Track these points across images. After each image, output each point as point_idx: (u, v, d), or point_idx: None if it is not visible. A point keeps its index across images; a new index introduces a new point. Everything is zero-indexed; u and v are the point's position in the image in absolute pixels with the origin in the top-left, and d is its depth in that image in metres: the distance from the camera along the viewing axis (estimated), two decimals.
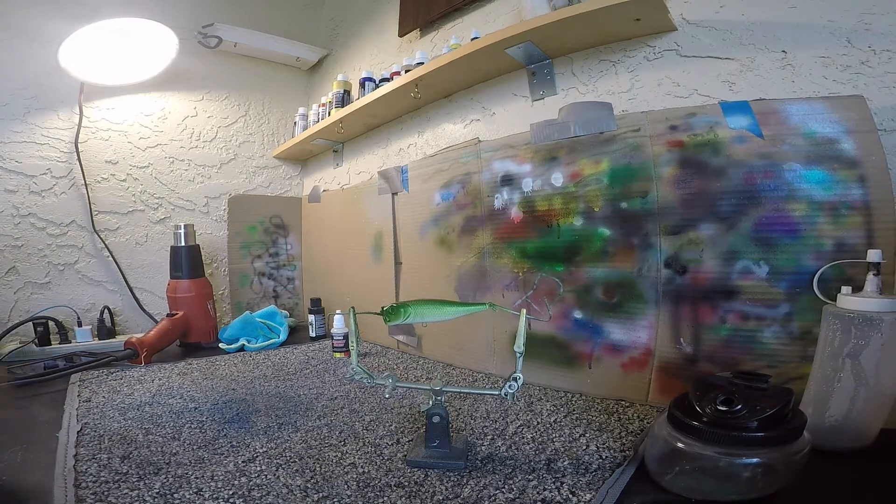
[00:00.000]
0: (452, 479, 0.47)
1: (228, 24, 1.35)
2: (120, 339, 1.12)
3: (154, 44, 1.18)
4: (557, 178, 0.78)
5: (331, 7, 1.59)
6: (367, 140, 1.31)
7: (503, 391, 0.49)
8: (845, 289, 0.51)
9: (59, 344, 1.08)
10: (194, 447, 0.55)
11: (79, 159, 1.20)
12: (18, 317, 1.11)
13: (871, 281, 0.50)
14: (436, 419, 0.50)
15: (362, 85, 1.16)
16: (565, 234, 0.77)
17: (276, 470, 0.49)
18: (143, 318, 1.29)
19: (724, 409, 0.42)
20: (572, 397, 0.72)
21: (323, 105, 1.32)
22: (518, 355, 0.48)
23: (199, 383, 0.84)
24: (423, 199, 1.01)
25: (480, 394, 0.58)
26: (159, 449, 0.54)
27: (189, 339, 1.16)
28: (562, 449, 0.53)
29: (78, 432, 0.57)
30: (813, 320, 0.56)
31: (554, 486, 0.45)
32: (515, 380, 0.49)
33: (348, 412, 0.67)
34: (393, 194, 1.09)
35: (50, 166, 1.18)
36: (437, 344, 0.99)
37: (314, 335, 1.21)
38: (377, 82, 1.14)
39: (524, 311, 0.49)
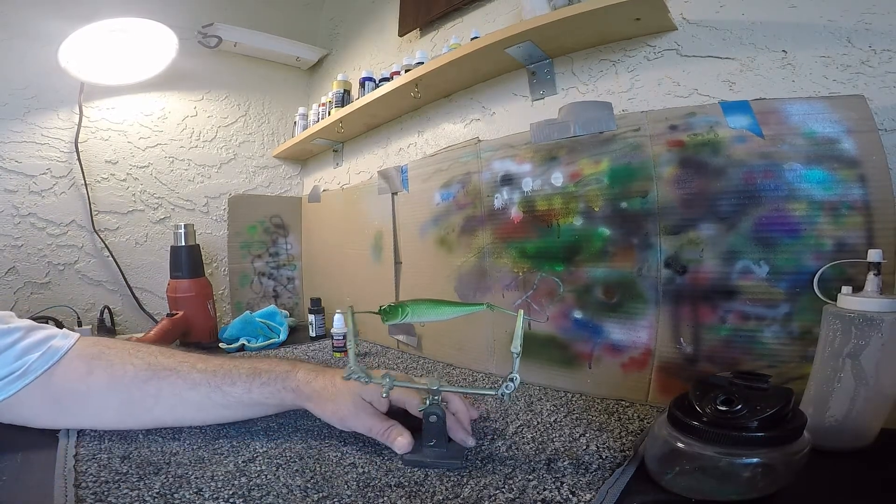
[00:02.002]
0: (452, 479, 0.47)
1: (228, 24, 1.35)
2: (120, 339, 1.12)
3: (154, 44, 1.18)
4: (557, 178, 0.78)
5: (331, 7, 1.59)
6: (367, 140, 1.31)
7: (500, 391, 0.49)
8: (845, 289, 0.51)
9: None
10: (194, 447, 0.55)
11: (79, 159, 1.20)
12: (18, 317, 1.11)
13: (871, 281, 0.50)
14: (432, 418, 0.50)
15: (362, 85, 1.16)
16: (565, 234, 0.77)
17: (276, 470, 0.49)
18: (143, 317, 1.29)
19: (724, 409, 0.42)
20: (572, 397, 0.72)
21: (323, 105, 1.31)
22: (515, 356, 0.48)
23: None
24: (423, 199, 1.01)
25: (475, 393, 0.58)
26: (159, 449, 0.54)
27: (189, 339, 1.16)
28: (562, 449, 0.53)
29: (78, 432, 0.57)
30: (813, 320, 0.55)
31: (554, 486, 0.45)
32: (512, 380, 0.48)
33: None
34: (393, 194, 1.09)
35: (50, 166, 1.18)
36: (437, 344, 0.99)
37: (314, 335, 1.21)
38: (377, 82, 1.14)
39: (521, 311, 0.48)
